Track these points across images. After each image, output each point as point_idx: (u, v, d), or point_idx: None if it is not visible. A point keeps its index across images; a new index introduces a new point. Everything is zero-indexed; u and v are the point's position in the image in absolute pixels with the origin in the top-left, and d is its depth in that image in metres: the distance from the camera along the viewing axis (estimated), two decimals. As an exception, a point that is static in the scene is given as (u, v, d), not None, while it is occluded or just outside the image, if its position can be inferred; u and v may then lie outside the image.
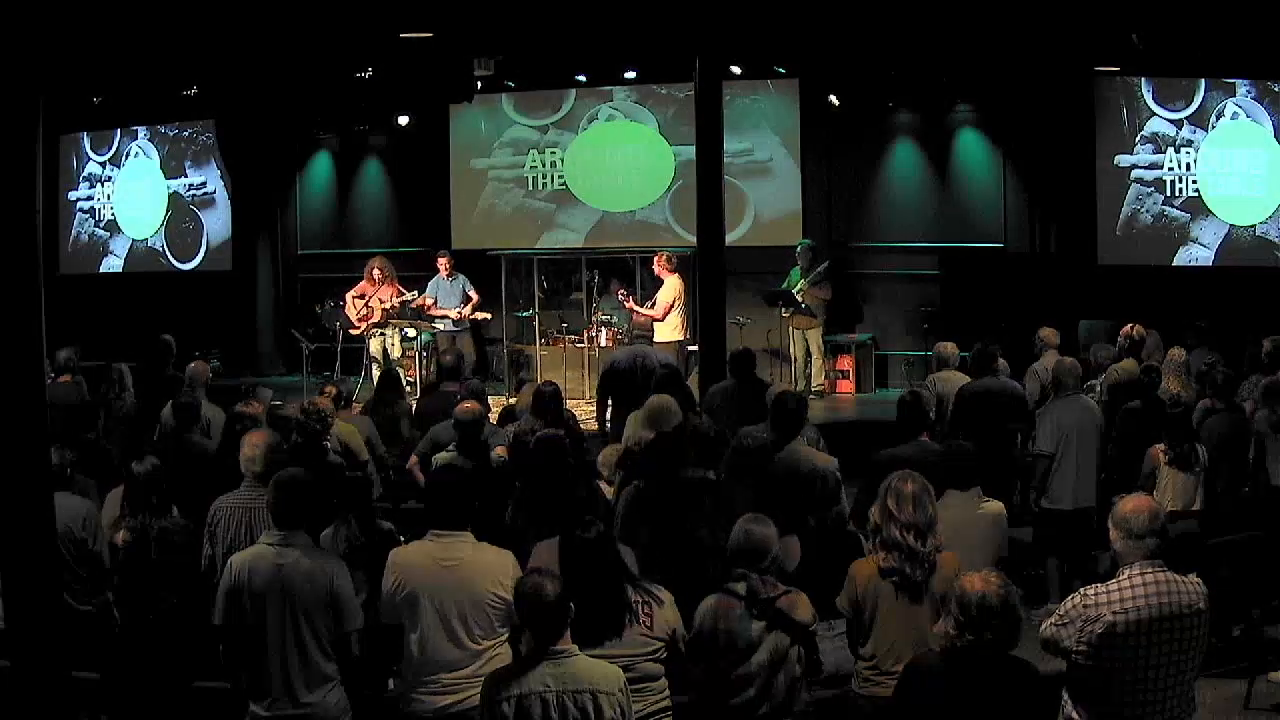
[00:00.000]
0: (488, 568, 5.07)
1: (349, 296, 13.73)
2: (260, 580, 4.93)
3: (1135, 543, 4.48)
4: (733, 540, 5.06)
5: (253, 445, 6.24)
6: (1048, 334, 10.37)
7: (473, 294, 13.75)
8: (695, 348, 12.37)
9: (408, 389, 14.07)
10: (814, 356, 13.73)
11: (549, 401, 8.26)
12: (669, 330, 12.66)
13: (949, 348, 9.92)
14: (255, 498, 6.05)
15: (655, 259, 13.07)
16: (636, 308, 12.96)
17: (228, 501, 6.21)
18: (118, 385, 10.42)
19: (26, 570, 4.74)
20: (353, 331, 13.73)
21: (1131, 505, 4.57)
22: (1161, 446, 7.69)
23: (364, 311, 13.59)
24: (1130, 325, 10.23)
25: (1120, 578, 4.47)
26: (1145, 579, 4.43)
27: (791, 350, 13.84)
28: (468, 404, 7.75)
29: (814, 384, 13.70)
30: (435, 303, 13.68)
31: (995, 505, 6.10)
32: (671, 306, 12.64)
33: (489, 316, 14.04)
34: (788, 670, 5.00)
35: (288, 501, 5.07)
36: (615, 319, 13.61)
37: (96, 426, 9.29)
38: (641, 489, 6.32)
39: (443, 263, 13.82)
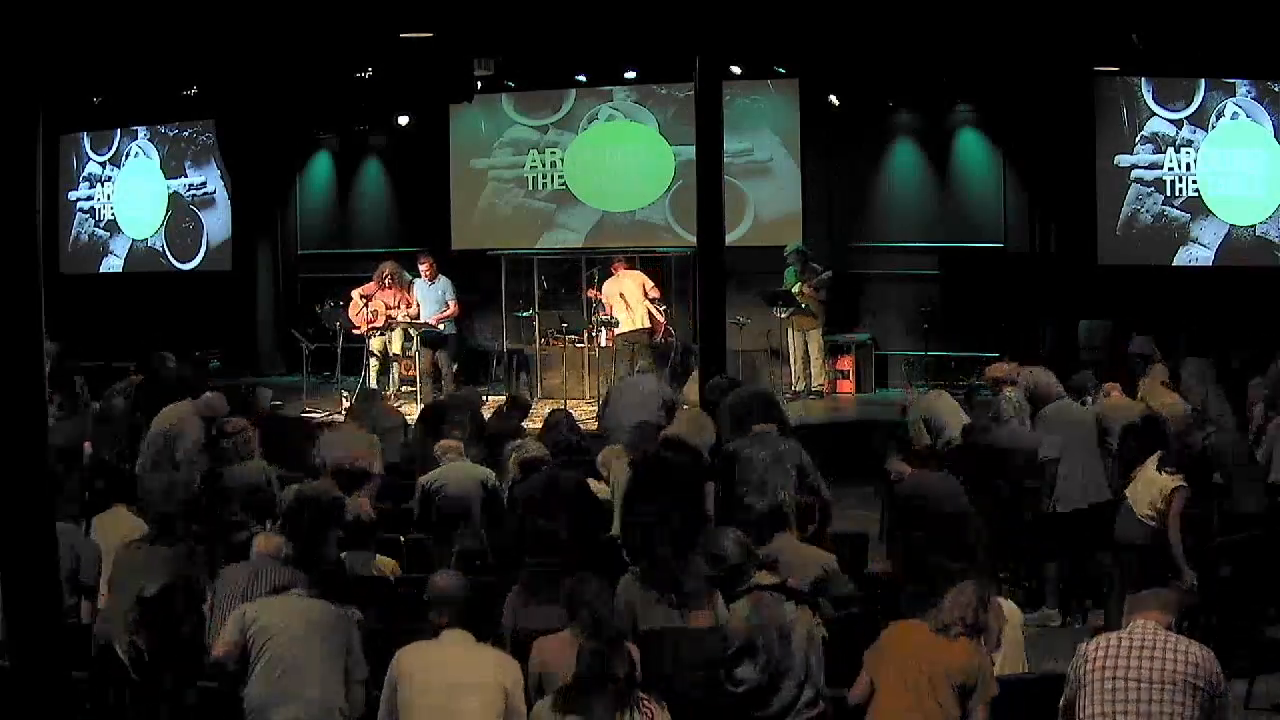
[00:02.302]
0: (486, 669, 4.95)
1: (355, 294, 13.71)
2: (276, 620, 5.09)
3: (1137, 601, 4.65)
4: (730, 554, 5.24)
5: (265, 546, 6.12)
6: (996, 370, 10.12)
7: (452, 303, 13.67)
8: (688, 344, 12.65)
9: (407, 389, 14.12)
10: (814, 357, 13.74)
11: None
12: (628, 323, 13.34)
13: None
14: (261, 569, 5.94)
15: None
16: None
17: (236, 571, 6.04)
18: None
19: (26, 572, 4.74)
20: (355, 331, 13.72)
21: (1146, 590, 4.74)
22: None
23: (367, 315, 13.58)
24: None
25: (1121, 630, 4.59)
26: (1140, 624, 4.55)
27: (791, 351, 13.84)
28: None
29: (814, 384, 13.71)
30: (417, 307, 13.59)
31: (1010, 605, 5.92)
32: (613, 300, 13.41)
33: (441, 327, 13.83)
34: (814, 648, 5.11)
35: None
36: (615, 319, 13.60)
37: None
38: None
39: (424, 267, 13.72)
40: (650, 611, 5.94)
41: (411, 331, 13.55)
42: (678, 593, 5.63)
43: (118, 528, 6.82)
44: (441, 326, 13.60)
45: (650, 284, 13.66)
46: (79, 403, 10.95)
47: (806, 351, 13.73)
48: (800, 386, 13.69)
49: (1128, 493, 7.69)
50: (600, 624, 5.06)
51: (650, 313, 13.55)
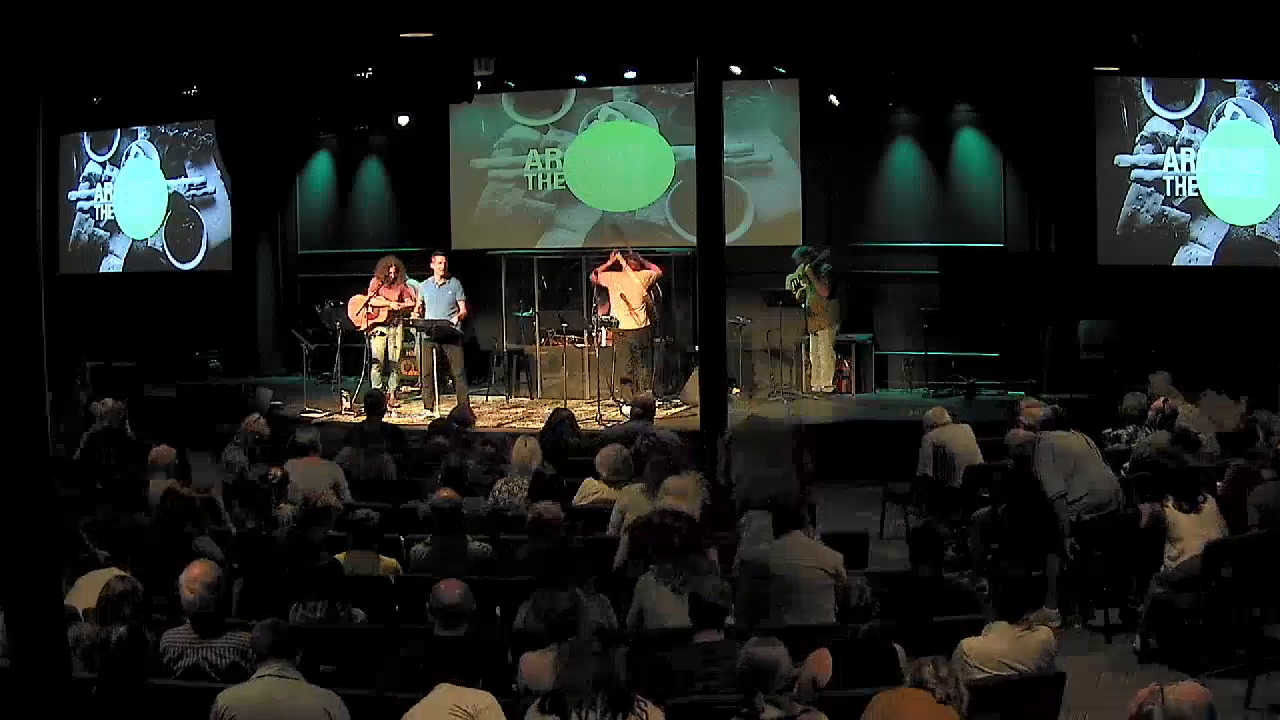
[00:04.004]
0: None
1: (357, 298, 13.64)
2: (250, 716, 4.79)
3: None
4: (739, 663, 4.87)
5: (191, 581, 5.57)
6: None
7: (462, 304, 13.45)
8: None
9: (408, 389, 14.12)
10: (824, 358, 13.78)
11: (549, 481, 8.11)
12: (629, 322, 13.34)
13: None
14: (196, 640, 5.54)
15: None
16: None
17: (175, 639, 5.62)
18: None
19: (26, 571, 4.73)
20: (356, 330, 13.67)
21: (1189, 695, 4.32)
22: (1170, 502, 7.52)
23: (368, 311, 13.55)
24: (1162, 400, 9.66)
25: None
26: None
27: (813, 352, 13.96)
28: (444, 491, 7.43)
29: (825, 385, 13.76)
30: (423, 307, 13.43)
31: (1043, 634, 5.79)
32: (612, 296, 13.41)
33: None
34: None
35: (276, 642, 4.97)
36: (614, 319, 13.60)
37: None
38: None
39: (438, 265, 13.49)
40: (665, 608, 5.95)
41: (413, 331, 13.52)
42: (693, 604, 5.59)
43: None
44: (455, 324, 13.46)
45: (652, 285, 13.56)
46: (79, 408, 10.94)
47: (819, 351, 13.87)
48: (817, 386, 13.76)
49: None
50: (599, 631, 5.14)
51: (649, 306, 13.51)
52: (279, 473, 8.20)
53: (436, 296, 13.43)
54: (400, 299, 13.49)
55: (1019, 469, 8.52)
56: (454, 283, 13.52)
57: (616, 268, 13.62)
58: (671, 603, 6.00)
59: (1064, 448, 8.37)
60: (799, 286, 13.76)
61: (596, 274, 13.67)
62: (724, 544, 7.13)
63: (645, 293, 13.50)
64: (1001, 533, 8.31)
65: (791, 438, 8.66)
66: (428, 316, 13.32)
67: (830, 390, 13.88)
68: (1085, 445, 8.49)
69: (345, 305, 13.71)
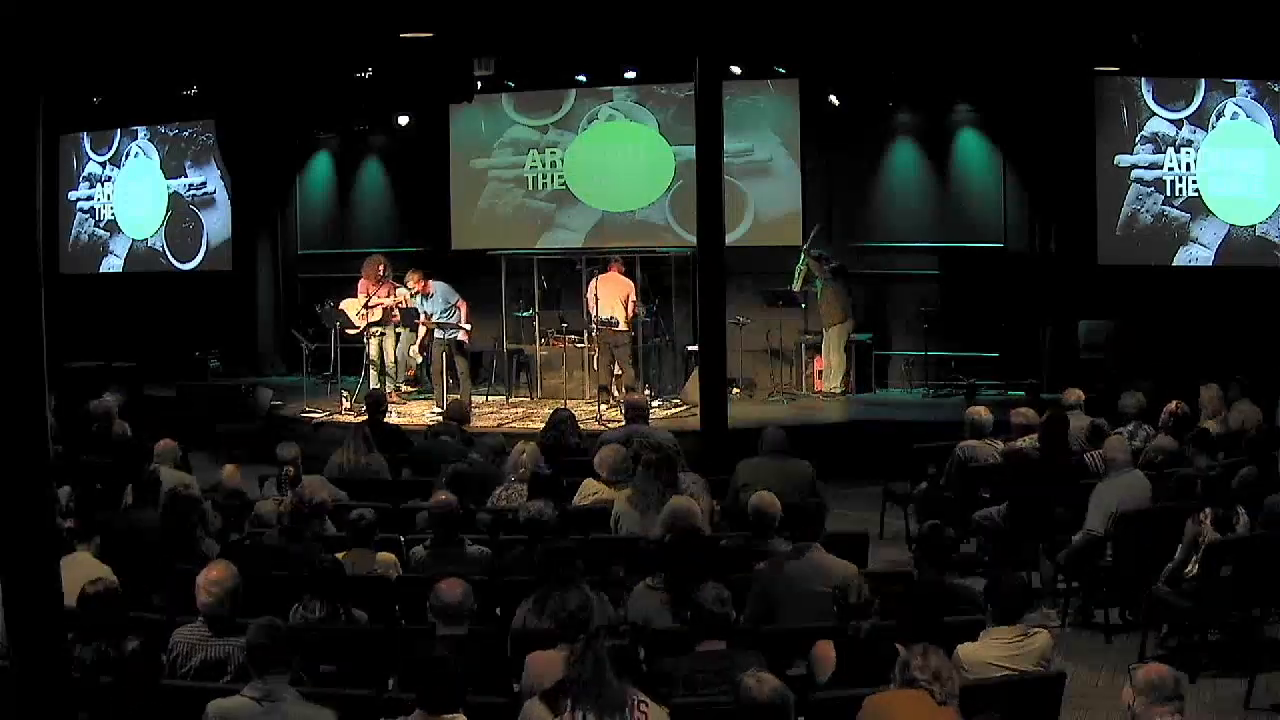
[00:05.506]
0: None
1: (349, 301, 13.61)
2: None
3: (1162, 706, 4.35)
4: (738, 700, 4.68)
5: (210, 584, 5.53)
6: (1075, 395, 9.83)
7: (460, 302, 13.28)
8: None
9: (411, 389, 14.11)
10: (834, 355, 13.76)
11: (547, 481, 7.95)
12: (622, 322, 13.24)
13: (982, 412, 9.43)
14: (209, 636, 5.52)
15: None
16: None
17: (186, 636, 5.60)
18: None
19: (26, 571, 4.73)
20: (350, 331, 13.66)
21: (1155, 671, 4.42)
22: (1206, 514, 7.26)
23: (362, 313, 13.53)
24: (1176, 403, 9.31)
25: None
26: None
27: (824, 350, 13.97)
28: (444, 495, 7.31)
29: (834, 386, 13.71)
30: (430, 317, 13.34)
31: (1041, 639, 5.61)
32: (608, 298, 13.19)
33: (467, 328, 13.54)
34: None
35: (268, 647, 4.87)
36: (614, 319, 13.58)
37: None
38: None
39: (415, 281, 13.24)
40: (661, 621, 5.94)
41: (405, 334, 13.51)
42: (694, 613, 5.53)
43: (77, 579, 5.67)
44: (467, 327, 13.33)
45: (633, 297, 13.39)
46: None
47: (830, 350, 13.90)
48: (830, 387, 13.77)
49: None
50: (602, 630, 5.08)
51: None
52: (291, 470, 8.18)
53: (433, 306, 13.21)
54: (388, 295, 13.49)
55: (1020, 469, 8.48)
56: (441, 287, 13.22)
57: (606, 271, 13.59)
58: (661, 611, 5.98)
59: (1125, 499, 7.84)
60: (803, 271, 13.75)
61: (596, 284, 13.51)
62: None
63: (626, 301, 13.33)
64: (1003, 533, 8.29)
65: (806, 475, 8.51)
66: (447, 324, 13.23)
67: (840, 392, 13.82)
68: (1137, 489, 7.97)
69: (336, 304, 13.67)
